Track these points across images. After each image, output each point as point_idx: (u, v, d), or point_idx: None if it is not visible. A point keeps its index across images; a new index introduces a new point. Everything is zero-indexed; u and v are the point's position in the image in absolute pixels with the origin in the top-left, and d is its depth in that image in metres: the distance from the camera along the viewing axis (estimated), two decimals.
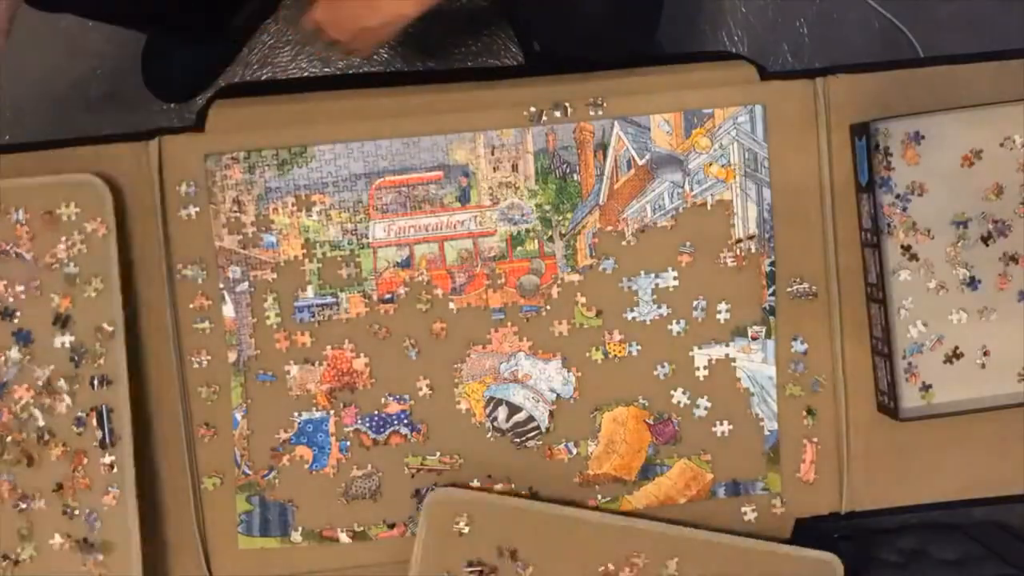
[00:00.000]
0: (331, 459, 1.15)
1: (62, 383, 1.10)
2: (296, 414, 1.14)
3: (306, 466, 1.15)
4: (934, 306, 1.14)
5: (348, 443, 1.15)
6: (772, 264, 1.15)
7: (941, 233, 1.14)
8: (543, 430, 1.16)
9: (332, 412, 1.14)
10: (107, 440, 1.10)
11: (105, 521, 1.11)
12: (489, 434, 1.15)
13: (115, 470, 1.10)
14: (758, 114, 1.14)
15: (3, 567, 1.11)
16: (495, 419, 1.15)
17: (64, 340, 1.10)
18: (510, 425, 1.16)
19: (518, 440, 1.16)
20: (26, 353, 1.10)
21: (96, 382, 1.10)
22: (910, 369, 1.14)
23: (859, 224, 1.15)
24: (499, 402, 1.15)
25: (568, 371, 1.15)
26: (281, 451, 1.14)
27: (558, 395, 1.16)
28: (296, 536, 1.15)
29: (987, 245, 1.14)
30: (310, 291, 1.13)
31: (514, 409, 1.15)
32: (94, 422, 1.10)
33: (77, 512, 1.11)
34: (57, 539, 1.11)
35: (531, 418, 1.15)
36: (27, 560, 1.11)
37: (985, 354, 1.14)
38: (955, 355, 1.14)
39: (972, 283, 1.14)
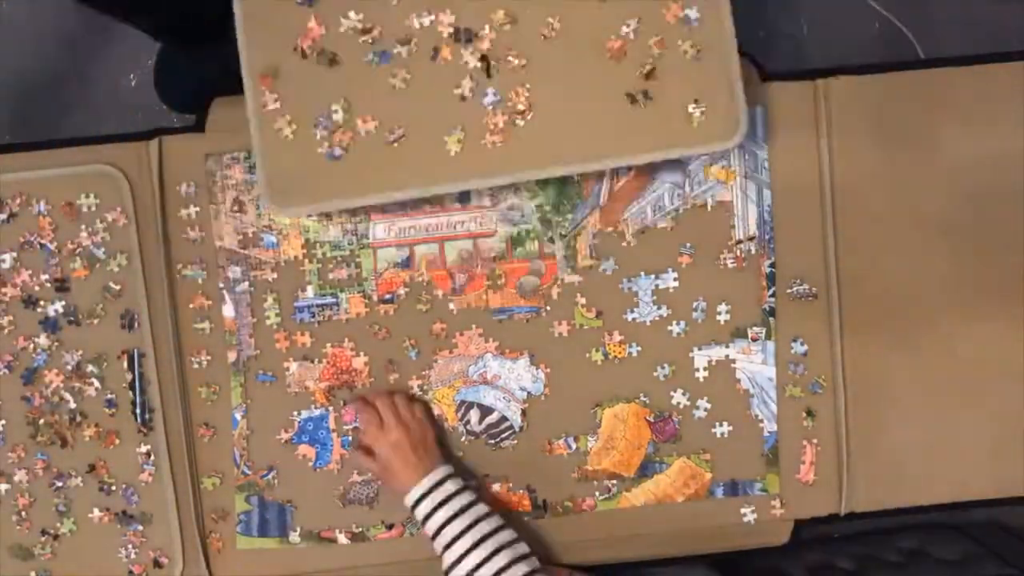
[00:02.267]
0: (334, 455, 1.15)
1: (91, 367, 1.12)
2: (295, 413, 1.14)
3: (310, 464, 1.15)
4: None
5: (350, 438, 1.15)
6: (772, 265, 1.15)
7: None
8: (517, 429, 1.16)
9: (331, 408, 1.14)
10: (141, 414, 1.13)
11: (143, 495, 1.14)
12: (463, 438, 1.15)
13: (150, 446, 1.14)
14: (758, 115, 1.14)
15: (43, 542, 1.13)
16: (468, 422, 1.15)
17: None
18: (483, 427, 1.15)
19: (492, 442, 1.16)
20: (54, 340, 1.12)
21: (128, 360, 1.13)
22: None
23: None
24: (470, 405, 1.15)
25: (537, 368, 1.15)
26: (284, 450, 1.15)
27: (529, 393, 1.16)
28: (295, 537, 1.15)
29: None
30: (310, 291, 1.13)
31: (486, 411, 1.15)
32: (128, 396, 1.13)
33: (114, 488, 1.14)
34: (96, 513, 1.14)
35: (504, 418, 1.15)
36: (67, 534, 1.14)
37: None
38: None
39: None
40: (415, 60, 1.04)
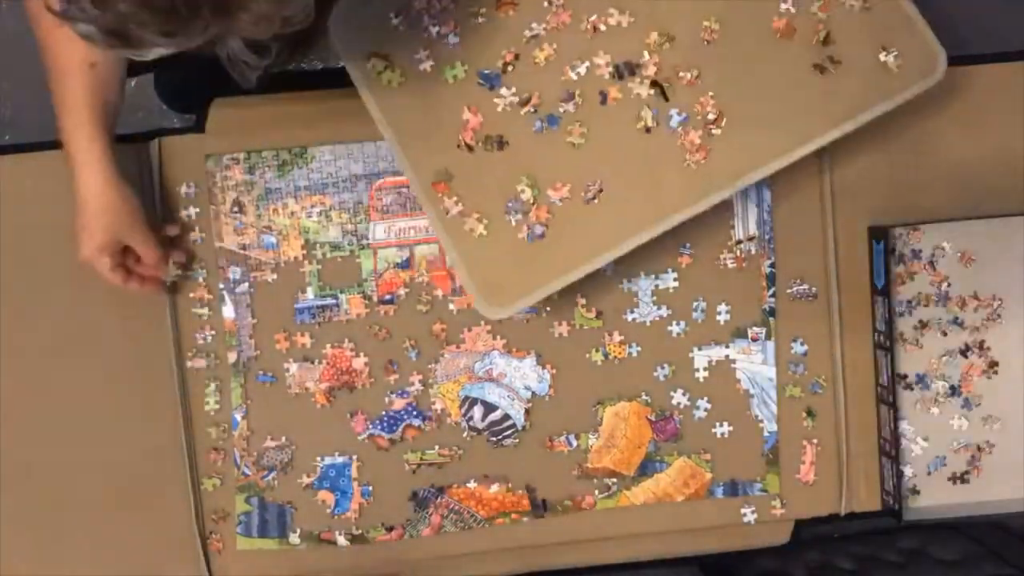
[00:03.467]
0: (353, 503, 1.15)
1: None
2: (319, 458, 1.14)
3: (328, 510, 1.15)
4: (932, 418, 1.16)
5: (370, 488, 1.15)
6: (772, 265, 1.15)
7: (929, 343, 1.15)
8: (519, 428, 1.16)
9: (355, 457, 1.14)
10: None
11: None
12: (465, 433, 1.16)
13: None
14: None
15: None
16: (471, 418, 1.15)
17: None
18: (486, 424, 1.16)
19: (494, 439, 1.16)
20: None
21: None
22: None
23: (872, 325, 1.16)
24: (474, 401, 1.15)
25: (543, 368, 1.15)
26: (304, 493, 1.15)
27: (533, 393, 1.16)
28: (294, 538, 1.15)
29: (966, 357, 1.15)
30: (310, 293, 1.13)
31: (489, 408, 1.15)
32: None
33: None
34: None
35: (507, 416, 1.15)
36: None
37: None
38: (961, 478, 1.16)
39: (954, 392, 1.15)
40: (585, 111, 1.03)
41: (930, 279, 1.14)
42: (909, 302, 1.14)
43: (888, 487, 1.15)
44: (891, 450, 1.13)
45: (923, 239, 1.13)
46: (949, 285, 1.14)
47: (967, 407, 1.15)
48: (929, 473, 1.16)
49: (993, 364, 1.15)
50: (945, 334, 1.15)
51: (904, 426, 1.15)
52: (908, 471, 1.15)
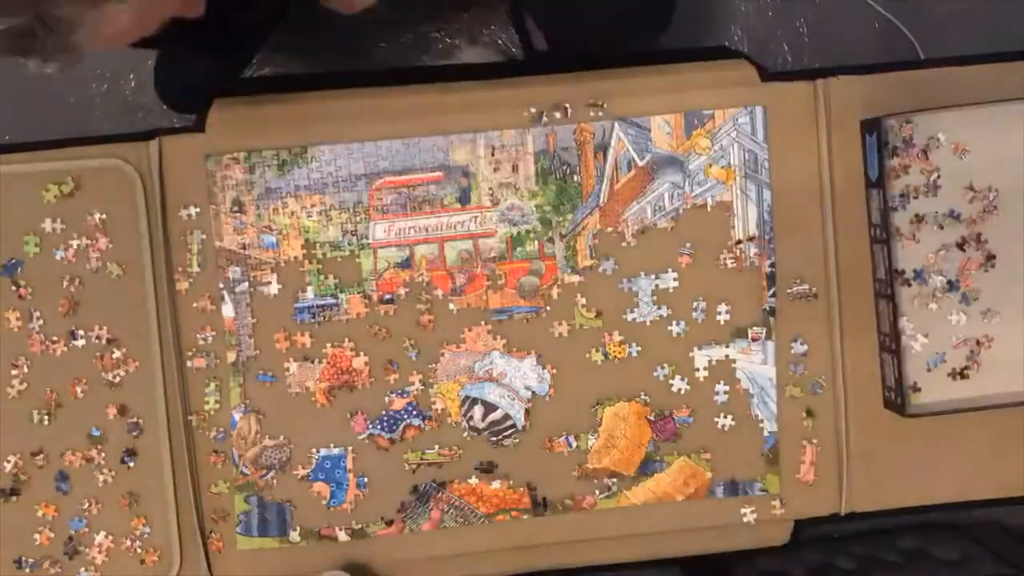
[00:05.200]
0: (349, 495, 1.15)
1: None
2: (314, 450, 1.14)
3: (324, 502, 1.15)
4: (931, 314, 1.14)
5: (366, 479, 1.15)
6: (772, 265, 1.15)
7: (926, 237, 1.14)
8: (519, 428, 1.16)
9: (351, 449, 1.14)
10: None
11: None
12: (465, 433, 1.16)
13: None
14: (758, 115, 1.14)
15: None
16: (471, 418, 1.15)
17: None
18: (486, 424, 1.16)
19: (494, 439, 1.16)
20: None
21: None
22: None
23: (868, 219, 1.15)
24: (474, 401, 1.15)
25: (543, 368, 1.15)
26: (300, 486, 1.15)
27: (534, 393, 1.16)
28: (294, 536, 1.15)
29: (963, 250, 1.13)
30: (310, 292, 1.13)
31: (489, 408, 1.15)
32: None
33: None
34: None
35: (507, 416, 1.16)
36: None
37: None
38: (961, 374, 1.14)
39: (952, 287, 1.14)
40: None
41: (922, 168, 1.12)
42: (903, 195, 1.12)
43: (890, 382, 1.13)
44: (891, 344, 1.11)
45: (916, 130, 1.12)
46: (940, 176, 1.12)
47: (965, 302, 1.13)
48: (929, 370, 1.14)
49: (990, 257, 1.13)
50: (942, 227, 1.13)
51: (903, 323, 1.13)
52: (908, 369, 1.13)
